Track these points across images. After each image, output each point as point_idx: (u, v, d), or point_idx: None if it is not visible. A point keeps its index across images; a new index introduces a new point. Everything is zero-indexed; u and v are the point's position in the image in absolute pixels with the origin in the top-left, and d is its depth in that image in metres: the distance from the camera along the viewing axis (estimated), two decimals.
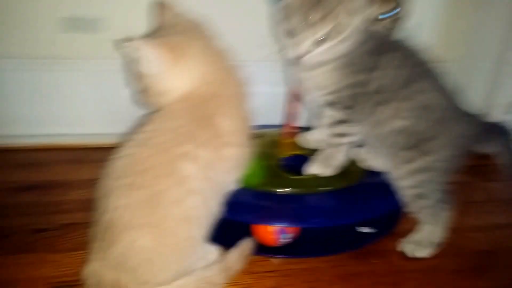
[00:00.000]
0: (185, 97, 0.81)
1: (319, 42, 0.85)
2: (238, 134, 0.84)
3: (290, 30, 0.86)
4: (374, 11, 0.99)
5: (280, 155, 1.07)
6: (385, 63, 0.92)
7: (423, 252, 0.98)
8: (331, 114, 0.98)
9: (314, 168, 1.01)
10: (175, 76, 0.81)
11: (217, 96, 0.83)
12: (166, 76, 0.80)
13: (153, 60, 0.77)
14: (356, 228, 1.02)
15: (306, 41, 0.85)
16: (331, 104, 0.97)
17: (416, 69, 0.94)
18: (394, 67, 0.92)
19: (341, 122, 0.98)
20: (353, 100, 0.95)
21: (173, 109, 0.81)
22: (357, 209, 0.97)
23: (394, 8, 1.04)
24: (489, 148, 1.00)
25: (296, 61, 0.88)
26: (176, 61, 0.80)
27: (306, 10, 0.84)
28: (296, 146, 1.11)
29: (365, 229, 1.02)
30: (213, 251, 0.88)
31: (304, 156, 1.06)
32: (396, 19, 1.06)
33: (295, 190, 0.97)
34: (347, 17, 0.84)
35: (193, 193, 0.76)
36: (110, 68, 1.27)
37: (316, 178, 1.00)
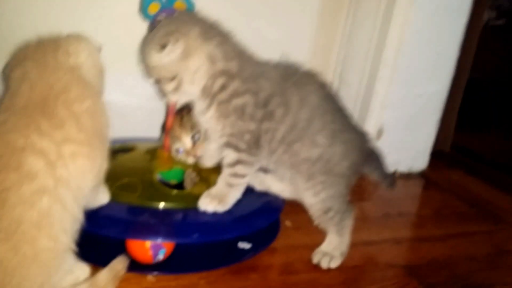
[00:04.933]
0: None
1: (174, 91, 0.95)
2: (84, 132, 0.78)
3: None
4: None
5: (159, 169, 1.05)
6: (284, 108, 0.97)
7: (336, 262, 1.01)
8: (230, 154, 0.98)
9: (209, 206, 0.96)
10: None
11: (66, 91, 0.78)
12: None
13: None
14: (238, 244, 1.02)
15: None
16: (228, 145, 0.98)
17: (320, 102, 1.00)
18: (296, 108, 0.97)
19: (239, 162, 0.98)
20: (255, 143, 0.97)
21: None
22: (235, 224, 0.97)
23: None
24: (367, 167, 1.10)
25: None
26: None
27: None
28: (174, 160, 1.10)
29: (247, 245, 1.02)
30: (83, 268, 0.81)
31: (183, 170, 1.07)
32: None
33: (174, 205, 0.95)
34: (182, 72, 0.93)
35: (47, 193, 0.70)
36: None
37: (195, 194, 0.98)
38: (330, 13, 1.57)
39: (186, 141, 1.09)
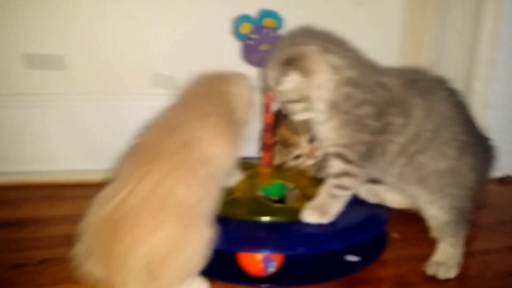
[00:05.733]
0: None
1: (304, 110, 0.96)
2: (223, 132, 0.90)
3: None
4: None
5: (261, 185, 1.07)
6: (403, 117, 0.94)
7: (453, 272, 0.97)
8: (338, 165, 0.96)
9: (312, 218, 0.96)
10: None
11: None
12: None
13: None
14: (344, 257, 1.00)
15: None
16: (338, 156, 0.96)
17: (447, 111, 0.95)
18: (421, 118, 0.94)
19: (346, 174, 0.96)
20: (366, 155, 0.95)
21: None
22: (339, 236, 0.95)
23: None
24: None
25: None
26: None
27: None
28: (275, 175, 1.12)
29: (353, 258, 1.00)
30: (201, 282, 0.84)
31: (284, 185, 1.08)
32: None
33: (278, 218, 0.96)
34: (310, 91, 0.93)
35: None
36: (79, 103, 1.30)
37: (297, 207, 0.98)
38: (416, 14, 1.54)
39: (304, 144, 1.11)
